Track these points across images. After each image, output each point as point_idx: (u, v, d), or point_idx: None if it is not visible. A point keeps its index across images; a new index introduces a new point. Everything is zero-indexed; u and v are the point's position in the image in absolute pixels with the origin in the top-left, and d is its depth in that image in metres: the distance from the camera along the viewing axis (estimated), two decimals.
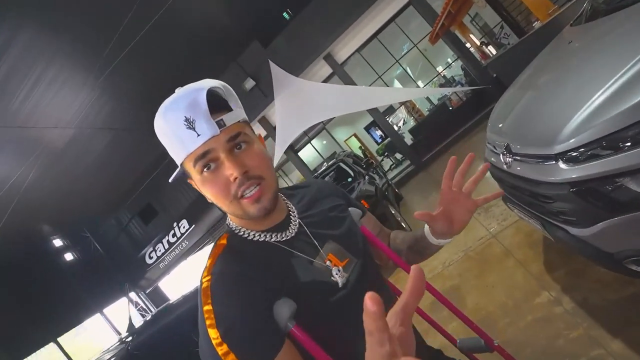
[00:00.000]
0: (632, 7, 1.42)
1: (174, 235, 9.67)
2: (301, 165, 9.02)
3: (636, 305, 1.47)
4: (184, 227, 9.54)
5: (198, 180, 0.58)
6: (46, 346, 7.83)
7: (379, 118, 8.03)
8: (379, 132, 12.80)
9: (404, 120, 11.67)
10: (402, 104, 9.77)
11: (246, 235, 0.63)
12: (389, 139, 9.34)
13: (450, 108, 7.97)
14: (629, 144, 1.04)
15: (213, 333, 0.50)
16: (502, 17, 7.17)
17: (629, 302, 1.51)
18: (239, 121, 0.59)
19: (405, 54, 8.31)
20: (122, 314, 10.10)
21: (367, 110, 7.89)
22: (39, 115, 5.06)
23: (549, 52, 2.14)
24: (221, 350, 0.49)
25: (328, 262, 0.64)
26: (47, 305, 8.07)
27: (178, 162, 0.59)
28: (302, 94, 7.42)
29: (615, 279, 1.62)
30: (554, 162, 1.27)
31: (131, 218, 10.08)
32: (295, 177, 11.58)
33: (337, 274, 0.62)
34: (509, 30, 7.15)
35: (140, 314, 10.36)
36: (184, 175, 0.62)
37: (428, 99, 9.68)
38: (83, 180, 7.27)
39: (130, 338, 1.22)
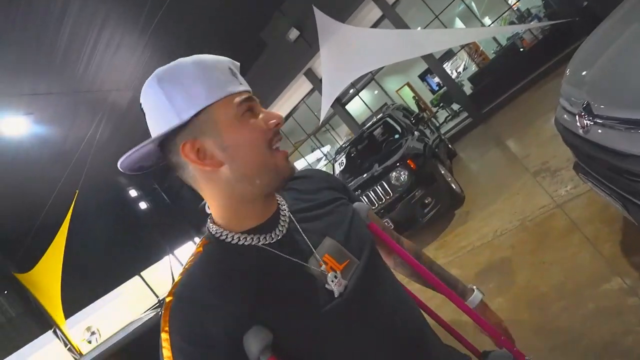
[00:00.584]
0: None
1: None
2: (349, 119, 8.71)
3: None
4: None
5: (230, 125, 0.51)
6: (132, 279, 9.35)
7: (434, 65, 7.22)
8: (437, 80, 11.64)
9: (464, 65, 10.38)
10: (463, 47, 8.60)
11: (229, 240, 0.54)
12: (444, 88, 8.47)
13: (522, 49, 6.81)
14: None
15: (167, 355, 0.45)
16: None
17: None
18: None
19: None
20: (188, 255, 11.53)
21: (422, 57, 7.11)
22: (102, 78, 5.42)
23: None
24: None
25: (323, 266, 0.54)
26: (130, 246, 9.44)
27: (200, 106, 0.49)
28: (349, 41, 6.86)
29: None
30: None
31: None
32: (342, 131, 11.32)
33: (332, 282, 0.52)
34: None
35: None
36: (153, 153, 0.54)
37: (495, 39, 8.35)
38: (146, 137, 7.90)
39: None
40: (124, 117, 6.64)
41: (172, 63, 0.53)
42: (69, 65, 4.89)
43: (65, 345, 7.67)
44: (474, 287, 0.78)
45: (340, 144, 9.49)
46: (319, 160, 11.65)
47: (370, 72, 7.85)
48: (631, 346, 1.30)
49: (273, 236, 0.55)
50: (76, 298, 7.69)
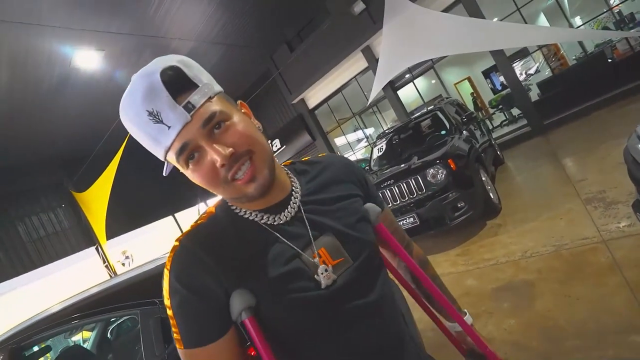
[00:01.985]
0: None
1: None
2: (398, 105, 8.42)
3: None
4: (276, 146, 10.32)
5: (185, 171, 0.54)
6: (166, 218, 10.15)
7: (501, 62, 6.65)
8: (501, 79, 10.76)
9: (537, 68, 9.43)
10: (540, 47, 7.77)
11: (237, 211, 0.59)
12: (508, 89, 7.81)
13: (610, 59, 6.04)
14: None
15: (166, 299, 0.53)
16: None
17: None
18: (209, 97, 0.50)
19: None
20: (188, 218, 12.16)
21: (490, 52, 6.57)
22: (168, 25, 5.65)
23: None
24: (169, 313, 0.52)
25: (317, 258, 0.56)
26: (168, 189, 10.10)
27: (161, 159, 0.54)
28: (416, 23, 6.47)
29: None
30: None
31: None
32: (389, 116, 11.00)
33: (322, 274, 0.54)
34: None
35: None
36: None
37: (581, 44, 7.43)
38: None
39: None
40: None
41: (119, 109, 0.50)
42: (141, 8, 5.13)
43: (104, 262, 8.66)
44: (466, 311, 0.78)
45: (384, 129, 9.25)
46: (359, 140, 11.49)
47: (432, 59, 7.42)
48: None
49: (276, 219, 0.57)
50: (118, 224, 8.54)
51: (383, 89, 7.71)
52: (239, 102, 0.60)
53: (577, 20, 8.31)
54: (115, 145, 6.50)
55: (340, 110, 10.12)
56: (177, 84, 0.48)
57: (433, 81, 10.70)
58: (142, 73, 0.48)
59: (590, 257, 2.12)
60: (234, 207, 0.59)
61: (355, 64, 8.52)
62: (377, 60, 7.54)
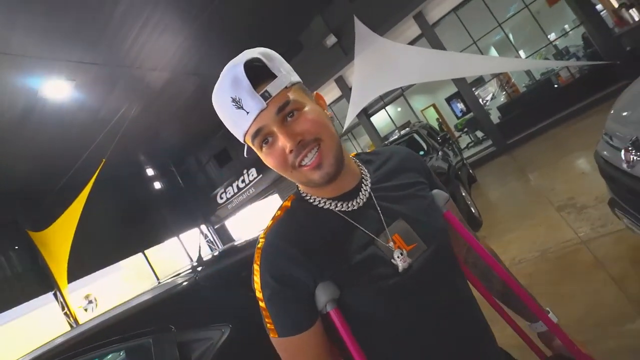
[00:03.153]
0: None
1: (243, 181, 10.47)
2: (372, 130, 8.76)
3: None
4: (252, 175, 10.25)
5: (259, 153, 0.58)
6: (135, 255, 9.48)
7: (464, 89, 7.24)
8: (460, 106, 11.65)
9: (494, 94, 10.35)
10: (495, 75, 8.59)
11: (311, 200, 0.61)
12: (471, 113, 8.45)
13: (556, 85, 6.78)
14: None
15: (258, 291, 0.55)
16: None
17: None
18: (286, 87, 0.54)
19: (511, 17, 7.12)
20: (193, 240, 11.64)
21: (453, 80, 7.15)
22: (144, 57, 5.62)
23: None
24: (261, 304, 0.56)
25: (391, 243, 0.57)
26: (140, 222, 9.61)
27: (241, 141, 0.59)
28: (384, 55, 6.96)
29: None
30: None
31: (209, 160, 11.13)
32: (364, 141, 11.37)
33: (398, 257, 0.56)
34: None
35: (209, 245, 11.80)
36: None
37: (529, 72, 8.32)
38: (174, 120, 8.12)
39: (200, 269, 1.35)
40: (157, 97, 6.86)
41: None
42: (118, 40, 5.10)
43: (63, 308, 7.82)
44: (549, 309, 0.72)
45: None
46: None
47: (401, 87, 7.91)
48: None
49: (350, 206, 0.60)
50: (81, 264, 7.82)
51: (357, 115, 8.03)
52: (315, 93, 0.63)
53: (522, 53, 9.31)
54: (81, 180, 6.15)
55: None
56: (258, 74, 0.53)
57: (399, 109, 11.35)
58: (229, 65, 0.54)
59: (575, 257, 2.27)
60: (309, 198, 0.61)
61: (329, 93, 8.86)
62: (350, 89, 7.92)
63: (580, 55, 6.99)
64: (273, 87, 0.52)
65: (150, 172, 10.77)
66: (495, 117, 7.66)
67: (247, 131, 0.54)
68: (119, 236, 8.90)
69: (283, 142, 0.53)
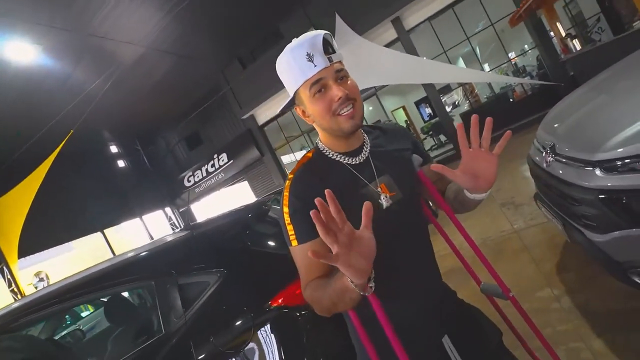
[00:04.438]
0: None
1: (213, 165, 10.37)
2: None
3: (633, 317, 1.58)
4: (222, 160, 10.18)
5: (309, 101, 0.77)
6: (92, 235, 9.12)
7: (433, 95, 7.76)
8: (428, 110, 12.36)
9: (458, 102, 11.11)
10: (460, 85, 9.27)
11: (327, 154, 0.84)
12: (437, 118, 9.06)
13: (512, 100, 7.51)
14: None
15: (285, 209, 0.78)
16: (602, 8, 6.38)
17: (628, 313, 1.62)
18: (340, 61, 0.77)
19: (478, 32, 7.73)
20: (155, 223, 11.35)
21: (423, 85, 7.63)
22: (119, 28, 5.45)
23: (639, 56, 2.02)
24: (287, 221, 0.77)
25: (379, 189, 0.82)
26: (100, 200, 9.23)
27: (293, 90, 0.79)
28: (361, 54, 7.25)
29: (623, 292, 1.72)
30: (592, 168, 1.35)
31: (178, 141, 10.88)
32: None
33: (383, 199, 0.81)
34: (605, 25, 6.39)
35: (172, 228, 11.56)
36: (291, 105, 0.83)
37: (490, 85, 9.09)
38: (144, 98, 7.89)
39: (193, 227, 1.54)
40: (129, 72, 6.64)
41: (283, 52, 0.78)
42: (92, 6, 4.91)
43: (10, 285, 7.38)
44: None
45: None
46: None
47: (375, 87, 8.29)
48: (548, 334, 1.68)
49: (354, 160, 0.84)
50: (35, 239, 7.38)
51: None
52: None
53: (487, 67, 10.10)
54: (42, 150, 5.84)
55: (289, 128, 10.49)
56: (327, 46, 0.76)
57: (371, 108, 11.80)
58: (310, 34, 0.75)
59: (508, 243, 2.71)
60: (326, 152, 0.84)
61: None
62: None
63: (534, 74, 7.77)
64: (335, 57, 0.76)
65: (114, 149, 10.33)
66: (458, 122, 8.29)
67: (309, 78, 0.73)
68: (77, 213, 8.51)
69: (336, 91, 0.73)
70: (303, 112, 0.82)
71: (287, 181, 0.81)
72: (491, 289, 0.96)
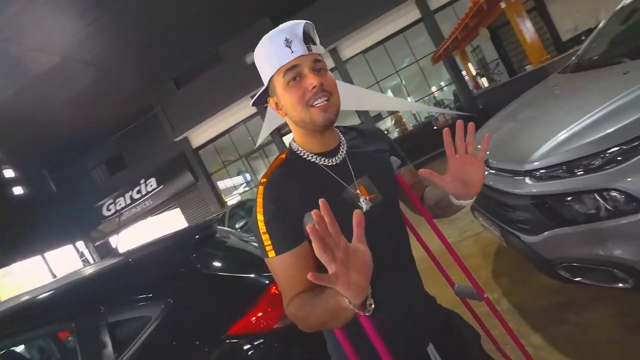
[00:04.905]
0: (610, 67, 1.72)
1: (139, 191, 9.39)
2: (283, 149, 9.01)
3: (559, 311, 1.78)
4: (151, 186, 9.30)
5: (282, 90, 0.72)
6: None
7: (367, 121, 8.29)
8: None
9: (388, 130, 12.06)
10: (391, 113, 10.12)
11: (302, 155, 0.78)
12: None
13: (435, 127, 8.41)
14: (581, 171, 1.30)
15: (260, 217, 0.69)
16: (499, 54, 7.68)
17: (555, 307, 1.81)
18: (320, 54, 0.74)
19: (405, 67, 8.63)
20: (63, 260, 9.66)
21: (357, 112, 8.13)
22: (28, 32, 4.76)
23: (535, 91, 2.44)
24: (262, 230, 0.69)
25: (358, 191, 0.77)
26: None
27: (268, 77, 0.74)
28: None
29: (548, 289, 1.93)
30: (522, 177, 1.52)
31: (97, 164, 9.65)
32: (274, 159, 11.59)
33: (363, 202, 0.76)
34: (503, 69, 7.69)
35: (84, 265, 9.96)
36: (264, 96, 0.77)
37: (415, 115, 10.10)
38: (56, 113, 6.90)
39: (132, 252, 1.31)
40: (39, 82, 5.79)
41: (263, 38, 0.75)
42: None
43: None
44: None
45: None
46: (236, 186, 11.34)
47: None
48: (497, 335, 1.79)
49: (330, 161, 0.79)
50: None
51: (271, 134, 8.28)
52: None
53: (410, 99, 11.25)
54: None
55: (226, 152, 10.13)
56: (308, 36, 0.72)
57: None
58: (291, 22, 0.71)
59: (447, 257, 2.88)
60: (300, 152, 0.78)
61: (244, 108, 8.92)
62: (265, 108, 8.16)
63: (452, 106, 8.87)
64: (314, 48, 0.72)
65: (8, 173, 8.70)
66: None
67: (284, 64, 0.69)
68: None
69: (312, 79, 0.69)
70: (276, 104, 0.76)
71: (260, 186, 0.73)
72: (465, 291, 0.97)
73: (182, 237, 1.50)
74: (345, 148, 0.83)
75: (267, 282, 1.20)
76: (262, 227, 0.69)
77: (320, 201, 0.52)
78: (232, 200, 10.69)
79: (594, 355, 1.48)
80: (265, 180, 0.73)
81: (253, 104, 0.81)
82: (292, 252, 0.68)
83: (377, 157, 0.86)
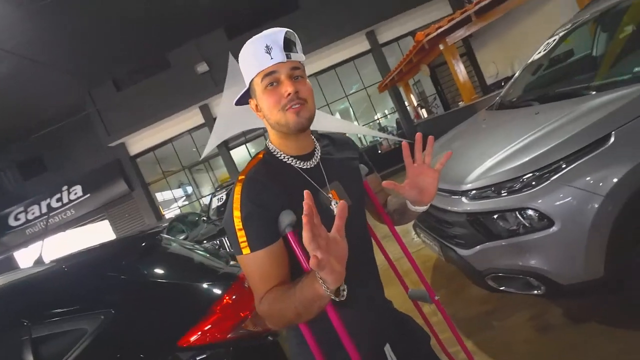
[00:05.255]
0: (525, 108, 2.06)
1: (60, 200, 8.28)
2: (230, 163, 8.86)
3: (486, 318, 1.99)
4: (75, 194, 8.27)
5: (260, 92, 0.75)
6: None
7: None
8: None
9: None
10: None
11: (278, 156, 0.81)
12: None
13: (379, 151, 8.95)
14: (505, 192, 1.52)
15: (237, 213, 0.70)
16: (437, 90, 8.59)
17: (483, 315, 2.03)
18: (299, 62, 0.76)
19: (354, 92, 9.14)
20: None
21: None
22: None
23: (467, 124, 2.79)
24: (237, 226, 0.70)
25: (330, 195, 0.81)
26: None
27: (249, 79, 0.77)
28: None
29: (478, 299, 2.15)
30: (459, 196, 1.71)
31: (7, 166, 8.33)
32: (220, 173, 11.20)
33: (334, 205, 0.80)
34: (439, 103, 8.58)
35: None
36: (246, 97, 0.80)
37: (361, 139, 10.68)
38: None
39: (62, 261, 1.18)
40: None
41: (247, 42, 0.78)
42: None
43: None
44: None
45: (215, 186, 9.33)
46: (176, 199, 10.65)
47: (263, 128, 8.53)
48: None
49: (305, 165, 0.82)
50: None
51: (217, 146, 8.03)
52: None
53: (357, 124, 11.90)
54: None
55: (167, 162, 9.53)
56: (289, 43, 0.74)
57: (260, 148, 12.00)
58: (273, 29, 0.74)
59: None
60: (277, 154, 0.80)
61: (191, 118, 8.57)
62: (214, 119, 7.94)
63: (394, 133, 9.56)
64: (294, 55, 0.74)
65: None
66: None
67: (263, 69, 0.72)
68: None
69: (287, 87, 0.72)
70: (256, 106, 0.79)
71: (238, 183, 0.74)
72: (418, 294, 1.06)
73: (127, 244, 1.39)
74: (319, 153, 0.87)
75: (220, 291, 1.16)
76: (238, 224, 0.70)
77: (305, 192, 0.56)
78: (170, 213, 9.98)
79: (513, 355, 1.69)
80: (243, 177, 0.75)
81: (236, 104, 0.83)
82: (267, 249, 0.69)
83: (347, 165, 0.92)
